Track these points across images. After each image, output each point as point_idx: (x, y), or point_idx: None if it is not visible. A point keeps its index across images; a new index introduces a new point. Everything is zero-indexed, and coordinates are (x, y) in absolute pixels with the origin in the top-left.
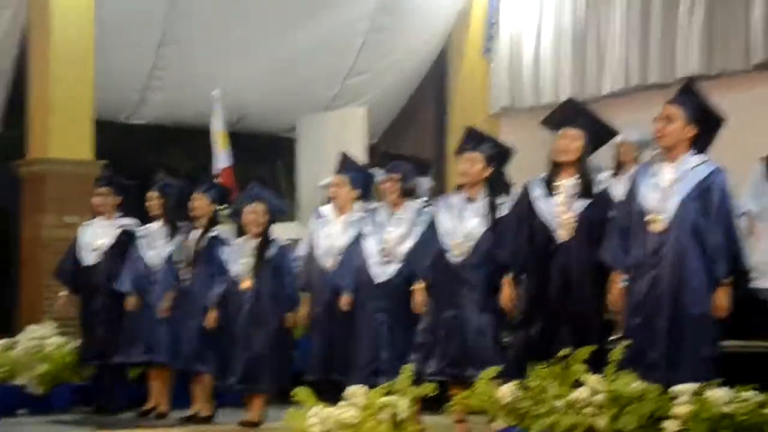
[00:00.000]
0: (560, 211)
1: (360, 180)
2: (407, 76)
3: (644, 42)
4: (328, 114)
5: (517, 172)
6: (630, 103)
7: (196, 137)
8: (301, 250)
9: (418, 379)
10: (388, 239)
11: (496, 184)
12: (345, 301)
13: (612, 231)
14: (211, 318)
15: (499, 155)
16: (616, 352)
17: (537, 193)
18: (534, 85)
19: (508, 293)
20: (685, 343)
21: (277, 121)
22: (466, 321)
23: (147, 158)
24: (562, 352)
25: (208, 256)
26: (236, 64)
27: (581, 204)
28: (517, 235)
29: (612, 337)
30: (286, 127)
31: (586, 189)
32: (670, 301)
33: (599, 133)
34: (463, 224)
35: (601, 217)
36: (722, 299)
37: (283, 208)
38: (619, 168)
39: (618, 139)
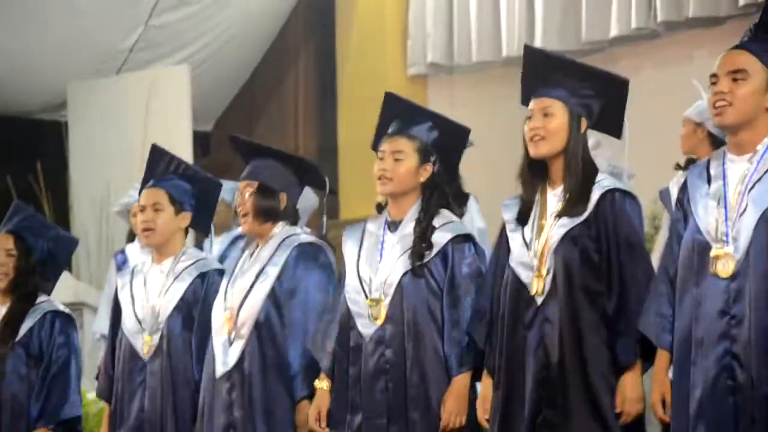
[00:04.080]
0: (534, 248)
1: (191, 193)
2: (261, 15)
3: None
4: (120, 79)
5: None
6: (657, 53)
7: None
8: (99, 325)
9: None
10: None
11: (441, 196)
12: None
13: (656, 280)
14: None
15: (447, 142)
16: None
17: (510, 221)
18: (490, 28)
19: (483, 398)
20: None
21: (32, 93)
22: None
23: None
24: None
25: None
26: None
27: (561, 230)
28: (492, 297)
29: None
30: (49, 104)
31: (573, 199)
32: (757, 400)
33: (595, 97)
34: (380, 268)
35: (601, 248)
36: None
37: (60, 249)
38: (687, 165)
39: (690, 113)
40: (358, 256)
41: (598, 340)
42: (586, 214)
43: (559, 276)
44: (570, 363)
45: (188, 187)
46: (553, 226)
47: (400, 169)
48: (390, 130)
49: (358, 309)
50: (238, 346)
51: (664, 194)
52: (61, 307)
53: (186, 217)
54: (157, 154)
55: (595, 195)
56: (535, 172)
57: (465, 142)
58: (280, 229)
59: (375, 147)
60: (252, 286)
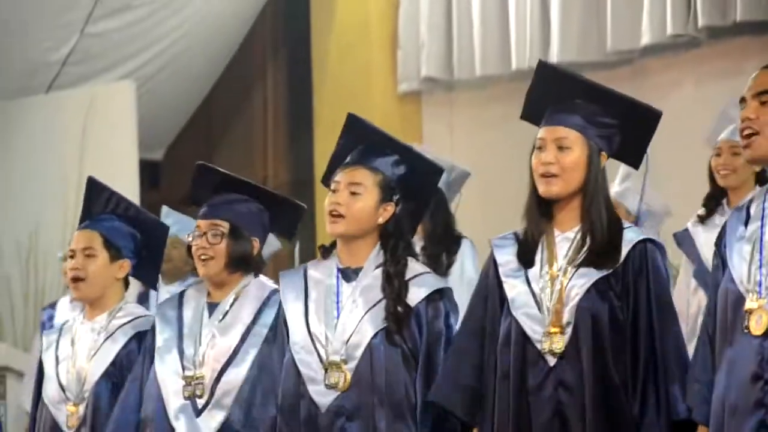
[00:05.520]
0: (545, 298)
1: (132, 238)
2: (220, 22)
3: None
4: (51, 98)
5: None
6: (697, 64)
7: None
8: (26, 401)
9: None
10: (193, 357)
11: (407, 244)
12: None
13: (698, 345)
14: None
15: (415, 182)
16: None
17: (505, 264)
18: (497, 35)
19: None
20: None
21: None
22: None
23: None
24: None
25: None
26: None
27: (585, 281)
28: (473, 355)
29: None
30: None
31: (600, 248)
32: None
33: (617, 127)
34: (339, 326)
35: (628, 307)
36: None
37: None
38: (714, 201)
39: (722, 137)
40: (306, 308)
41: (624, 411)
42: (616, 267)
43: (584, 334)
44: None
45: (129, 230)
46: (573, 275)
47: (357, 204)
48: (348, 159)
49: (311, 373)
50: (219, 413)
51: (681, 237)
52: None
53: (124, 266)
54: (93, 189)
55: (626, 245)
56: (542, 211)
57: (435, 184)
58: (251, 280)
59: (326, 180)
60: (238, 349)
